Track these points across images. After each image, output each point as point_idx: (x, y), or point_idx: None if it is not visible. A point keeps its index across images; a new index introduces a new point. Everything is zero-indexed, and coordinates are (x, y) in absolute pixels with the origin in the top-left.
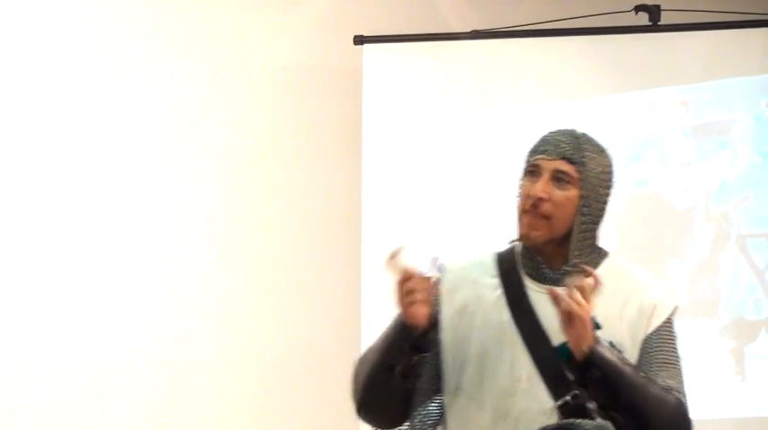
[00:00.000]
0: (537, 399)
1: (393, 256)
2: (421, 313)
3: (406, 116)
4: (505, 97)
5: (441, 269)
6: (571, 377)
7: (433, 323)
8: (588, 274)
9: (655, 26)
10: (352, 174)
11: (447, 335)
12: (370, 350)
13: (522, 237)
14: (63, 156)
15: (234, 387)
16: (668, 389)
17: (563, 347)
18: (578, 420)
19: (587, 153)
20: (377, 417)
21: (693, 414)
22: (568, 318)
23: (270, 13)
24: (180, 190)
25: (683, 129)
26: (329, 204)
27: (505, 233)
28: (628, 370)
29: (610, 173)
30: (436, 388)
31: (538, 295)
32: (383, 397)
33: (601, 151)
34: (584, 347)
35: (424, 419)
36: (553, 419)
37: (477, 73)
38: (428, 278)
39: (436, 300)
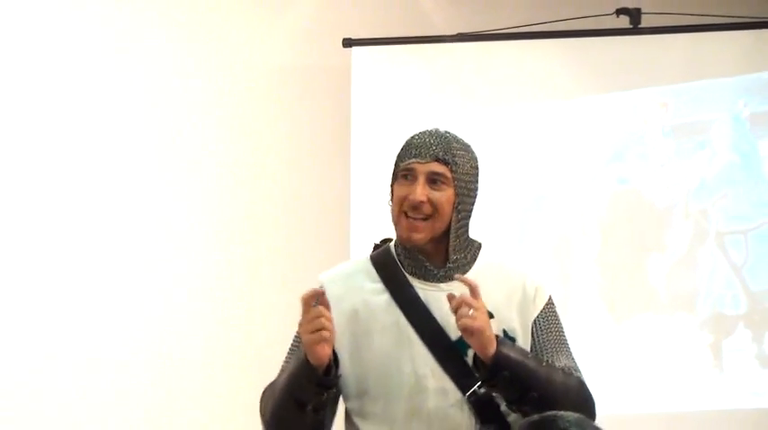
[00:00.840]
0: (446, 394)
1: (311, 297)
2: (326, 353)
3: (393, 116)
4: (489, 98)
5: (320, 281)
6: (479, 378)
7: (336, 359)
8: (466, 282)
9: (635, 29)
10: (341, 172)
11: (343, 343)
12: (277, 385)
13: (403, 240)
14: (60, 157)
15: (225, 383)
16: (568, 372)
17: (461, 341)
18: (560, 412)
19: (457, 152)
20: None
21: (674, 406)
22: (469, 332)
23: (263, 16)
24: (172, 188)
25: (662, 128)
26: (319, 201)
27: (493, 229)
28: (532, 364)
29: (477, 168)
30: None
31: (426, 293)
32: (294, 428)
33: (468, 148)
34: (490, 352)
35: None
36: (465, 411)
37: (462, 74)
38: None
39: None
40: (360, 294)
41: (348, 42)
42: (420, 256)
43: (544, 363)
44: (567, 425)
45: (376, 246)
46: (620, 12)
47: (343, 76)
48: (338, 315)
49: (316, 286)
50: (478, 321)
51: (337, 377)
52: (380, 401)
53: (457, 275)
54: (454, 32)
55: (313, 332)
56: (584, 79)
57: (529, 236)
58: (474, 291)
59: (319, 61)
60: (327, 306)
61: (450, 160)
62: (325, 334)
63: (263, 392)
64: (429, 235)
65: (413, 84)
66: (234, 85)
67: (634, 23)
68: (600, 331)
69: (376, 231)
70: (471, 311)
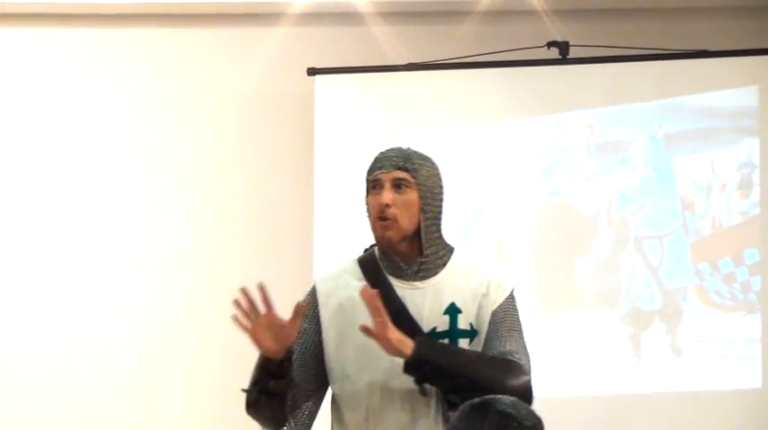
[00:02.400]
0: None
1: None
2: (270, 347)
3: (353, 138)
4: (437, 120)
5: (314, 282)
6: (408, 374)
7: (288, 355)
8: (364, 296)
9: (564, 59)
10: (305, 191)
11: (329, 333)
12: (251, 378)
13: (378, 241)
14: (43, 167)
15: (205, 384)
16: (505, 354)
17: (432, 333)
18: (498, 396)
19: (416, 161)
20: (263, 422)
21: (599, 390)
22: (381, 342)
23: (234, 47)
24: (146, 207)
25: (588, 147)
26: (285, 219)
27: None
28: (452, 353)
29: (439, 176)
30: (313, 389)
31: (403, 290)
32: (264, 409)
33: (427, 159)
34: (406, 354)
35: (304, 419)
36: (433, 396)
37: (413, 99)
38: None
39: (313, 307)
40: (346, 291)
41: (312, 71)
42: (395, 258)
43: (465, 352)
44: (504, 407)
45: (365, 251)
46: (550, 44)
47: (307, 101)
48: (326, 309)
49: (307, 287)
50: (389, 331)
51: (286, 368)
52: (359, 384)
53: (362, 289)
54: (405, 62)
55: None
56: (520, 104)
57: (470, 242)
58: (372, 304)
59: (286, 88)
60: (270, 308)
61: (411, 167)
62: (260, 339)
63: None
64: (399, 233)
65: (369, 108)
66: (205, 110)
67: (563, 55)
68: (533, 325)
69: (338, 247)
70: (379, 320)
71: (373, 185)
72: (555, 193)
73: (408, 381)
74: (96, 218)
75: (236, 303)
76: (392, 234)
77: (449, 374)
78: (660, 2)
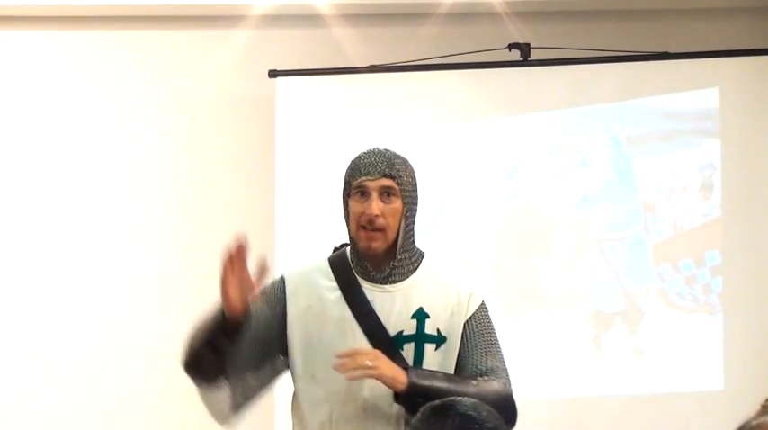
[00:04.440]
0: (380, 384)
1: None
2: (235, 300)
3: (314, 139)
4: (398, 121)
5: (283, 276)
6: (401, 404)
7: (246, 316)
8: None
9: (525, 61)
10: (266, 192)
11: (294, 331)
12: (198, 327)
13: (364, 250)
14: (20, 168)
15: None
16: (488, 377)
17: (399, 337)
18: (458, 397)
19: (399, 166)
20: (200, 379)
21: (561, 392)
22: (378, 379)
23: (196, 50)
24: (105, 204)
25: (549, 149)
26: (245, 219)
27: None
28: (443, 384)
29: (416, 179)
30: (256, 363)
31: (373, 293)
32: (206, 365)
33: (406, 161)
34: (401, 386)
35: (244, 389)
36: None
37: (374, 101)
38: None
39: (279, 299)
40: (315, 290)
41: (273, 73)
42: (367, 262)
43: (454, 380)
44: (465, 409)
45: (335, 249)
46: (512, 46)
47: (268, 103)
48: (295, 306)
49: (277, 282)
50: (380, 368)
51: (238, 329)
52: (323, 385)
53: (336, 364)
54: (367, 64)
55: (225, 285)
56: (481, 105)
57: (433, 243)
58: (355, 353)
59: (247, 91)
60: (244, 260)
61: (396, 174)
62: (230, 290)
63: (190, 331)
64: (385, 243)
65: (331, 109)
66: (166, 113)
67: (524, 57)
68: (496, 326)
69: (299, 249)
70: (369, 362)
71: (358, 192)
72: (516, 195)
73: (373, 388)
74: (69, 219)
75: (228, 250)
76: (378, 245)
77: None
78: (621, 4)
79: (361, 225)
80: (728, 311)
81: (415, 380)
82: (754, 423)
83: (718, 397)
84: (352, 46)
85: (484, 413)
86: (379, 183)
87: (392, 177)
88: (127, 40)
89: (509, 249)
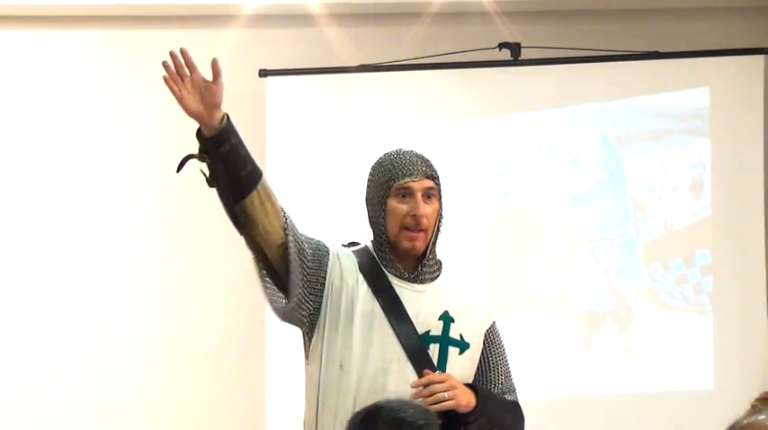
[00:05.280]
0: (406, 378)
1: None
2: (196, 108)
3: (304, 138)
4: (388, 121)
5: (327, 246)
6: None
7: (225, 129)
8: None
9: (516, 61)
10: None
11: (327, 308)
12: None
13: (407, 250)
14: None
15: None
16: (510, 397)
17: (425, 335)
18: (382, 402)
19: (435, 168)
20: (243, 229)
21: (551, 391)
22: (454, 409)
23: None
24: (97, 204)
25: (540, 148)
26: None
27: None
28: (500, 403)
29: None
30: (304, 301)
31: (401, 289)
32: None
33: (432, 162)
34: (470, 408)
35: (296, 307)
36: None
37: (364, 100)
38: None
39: (324, 265)
40: (348, 278)
41: (264, 73)
42: (397, 262)
43: (499, 397)
44: (393, 412)
45: (347, 245)
46: (502, 46)
47: (259, 103)
48: (330, 287)
49: (331, 248)
50: (457, 398)
51: (213, 145)
52: (350, 376)
53: (413, 394)
54: (357, 64)
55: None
56: (471, 105)
57: None
58: (432, 378)
59: (237, 90)
60: (189, 69)
61: (435, 175)
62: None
63: None
64: (425, 243)
65: (321, 108)
66: (156, 112)
67: (514, 56)
68: None
69: None
70: (447, 393)
71: (401, 193)
72: (506, 194)
73: (399, 382)
74: (66, 218)
75: (165, 65)
76: (421, 245)
77: (495, 423)
78: (611, 4)
79: (404, 225)
80: (719, 311)
81: (482, 402)
82: (745, 422)
83: (708, 396)
84: (343, 45)
85: (411, 411)
86: (423, 184)
87: (432, 178)
88: (117, 39)
89: (499, 249)
